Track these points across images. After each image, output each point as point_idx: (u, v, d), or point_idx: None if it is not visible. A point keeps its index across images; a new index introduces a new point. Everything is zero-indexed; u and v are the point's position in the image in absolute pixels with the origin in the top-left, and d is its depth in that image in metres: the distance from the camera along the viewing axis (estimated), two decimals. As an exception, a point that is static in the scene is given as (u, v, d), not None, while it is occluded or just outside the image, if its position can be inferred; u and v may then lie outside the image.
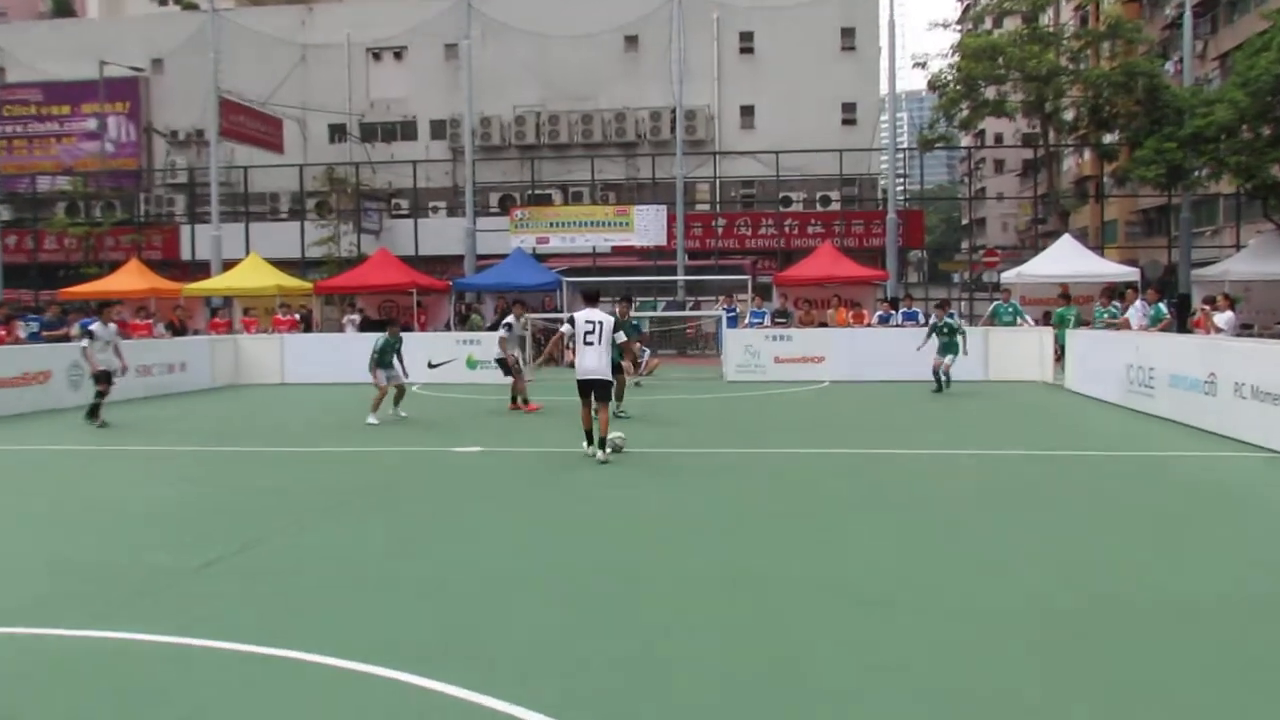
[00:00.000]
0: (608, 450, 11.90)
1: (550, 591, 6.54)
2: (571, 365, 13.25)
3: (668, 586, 6.65)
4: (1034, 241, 43.29)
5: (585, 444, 12.21)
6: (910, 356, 21.19)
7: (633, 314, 22.41)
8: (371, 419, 15.99)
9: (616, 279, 33.36)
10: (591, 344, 12.09)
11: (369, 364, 16.67)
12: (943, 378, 19.72)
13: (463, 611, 6.14)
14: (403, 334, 17.31)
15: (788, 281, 30.65)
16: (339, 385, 22.58)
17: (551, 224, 35.76)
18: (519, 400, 17.95)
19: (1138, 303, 20.04)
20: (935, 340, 20.23)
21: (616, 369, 15.49)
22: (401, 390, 16.79)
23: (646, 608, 6.21)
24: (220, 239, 35.10)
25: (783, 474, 10.97)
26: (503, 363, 18.66)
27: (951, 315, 21.00)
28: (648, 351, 26.79)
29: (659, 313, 34.24)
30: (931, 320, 20.99)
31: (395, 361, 16.73)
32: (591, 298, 12.78)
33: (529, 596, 6.44)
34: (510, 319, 19.29)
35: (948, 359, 19.79)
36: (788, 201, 40.03)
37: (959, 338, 19.87)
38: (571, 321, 12.27)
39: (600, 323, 12.17)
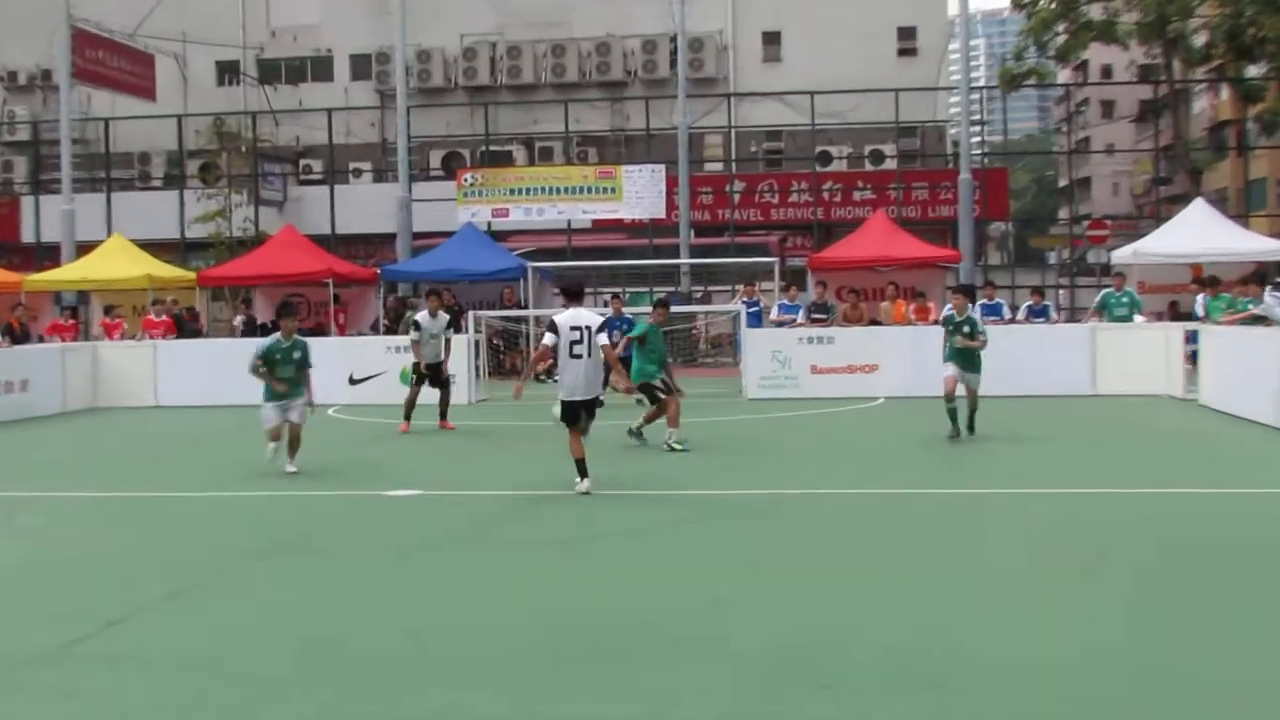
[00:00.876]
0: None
1: (500, 689, 6.56)
2: (543, 378, 13.40)
3: (663, 682, 6.69)
4: (1155, 209, 43.45)
5: (578, 479, 12.40)
6: (992, 366, 21.31)
7: (627, 312, 22.52)
8: (290, 467, 14.23)
9: (599, 263, 33.41)
10: (580, 356, 12.54)
11: (254, 375, 14.44)
12: (962, 418, 16.37)
13: (389, 714, 6.16)
14: (306, 338, 14.92)
15: (828, 264, 30.66)
16: (231, 408, 22.55)
17: (512, 191, 35.85)
18: (409, 416, 18.72)
19: (1267, 297, 20.01)
20: (952, 346, 16.80)
21: (653, 391, 16.34)
22: (296, 437, 14.34)
23: (634, 706, 6.25)
24: (74, 214, 34.96)
25: (826, 522, 11.01)
26: (434, 370, 19.02)
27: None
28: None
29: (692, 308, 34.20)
30: (946, 310, 17.25)
31: (297, 382, 14.39)
32: (574, 294, 13.15)
33: (469, 694, 6.46)
34: (421, 315, 19.48)
35: (971, 380, 16.51)
36: (827, 158, 40.11)
37: (981, 342, 16.52)
38: (554, 329, 12.59)
39: (587, 328, 12.61)
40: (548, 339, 12.61)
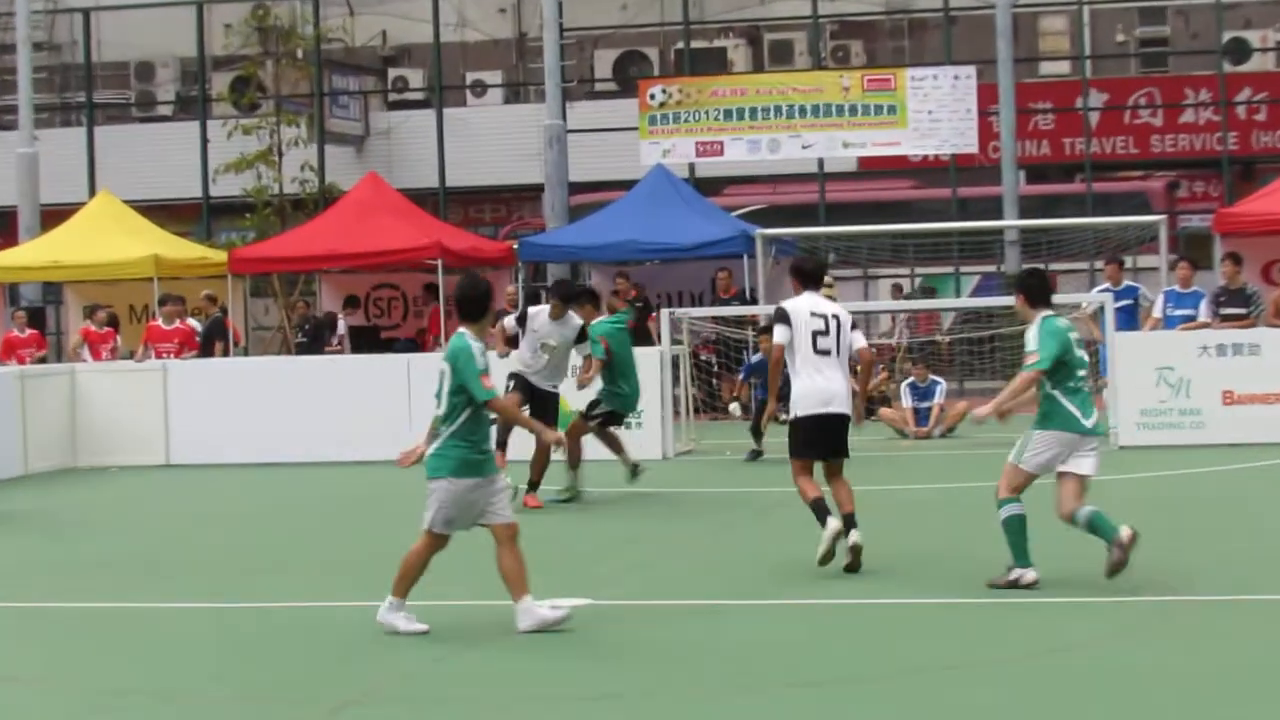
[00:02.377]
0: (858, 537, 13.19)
1: None
2: (783, 416, 13.92)
3: None
4: None
5: (822, 527, 13.04)
6: None
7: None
8: (408, 623, 11.74)
9: (871, 228, 33.23)
10: (827, 353, 13.35)
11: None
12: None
13: None
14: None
15: (1248, 225, 30.28)
16: (285, 468, 22.92)
17: (727, 113, 35.81)
18: (532, 483, 18.79)
19: None
20: None
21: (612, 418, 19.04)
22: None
23: None
24: (37, 160, 36.00)
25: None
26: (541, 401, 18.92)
27: None
28: (941, 385, 26.62)
29: (963, 300, 33.94)
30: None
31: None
32: (811, 277, 13.96)
33: None
34: (538, 310, 19.31)
35: None
36: (1242, 52, 39.49)
37: None
38: (785, 319, 13.41)
39: (835, 316, 13.68)
40: (779, 334, 13.50)
